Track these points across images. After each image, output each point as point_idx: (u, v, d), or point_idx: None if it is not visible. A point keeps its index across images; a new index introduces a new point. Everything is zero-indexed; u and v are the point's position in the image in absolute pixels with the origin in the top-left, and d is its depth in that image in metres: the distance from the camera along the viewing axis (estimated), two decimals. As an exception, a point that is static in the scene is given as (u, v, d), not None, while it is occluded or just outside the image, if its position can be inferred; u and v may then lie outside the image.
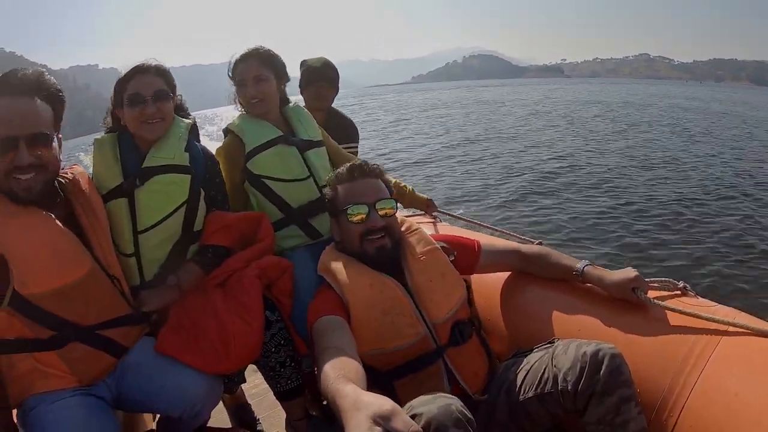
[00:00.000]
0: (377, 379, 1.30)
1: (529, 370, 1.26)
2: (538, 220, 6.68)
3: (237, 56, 1.80)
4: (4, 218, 1.19)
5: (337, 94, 2.59)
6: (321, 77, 2.48)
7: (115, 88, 1.53)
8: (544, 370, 1.21)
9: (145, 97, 1.48)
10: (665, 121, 18.26)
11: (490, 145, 13.77)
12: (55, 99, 1.27)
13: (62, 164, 1.41)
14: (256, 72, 1.78)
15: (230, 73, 1.83)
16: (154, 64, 1.54)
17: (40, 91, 1.23)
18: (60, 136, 1.32)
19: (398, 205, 2.29)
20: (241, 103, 1.89)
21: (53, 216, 1.27)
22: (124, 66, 1.53)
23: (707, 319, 1.18)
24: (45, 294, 1.22)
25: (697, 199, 7.41)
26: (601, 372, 1.09)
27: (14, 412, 1.26)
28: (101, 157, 1.53)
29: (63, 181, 1.37)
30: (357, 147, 2.64)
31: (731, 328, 1.16)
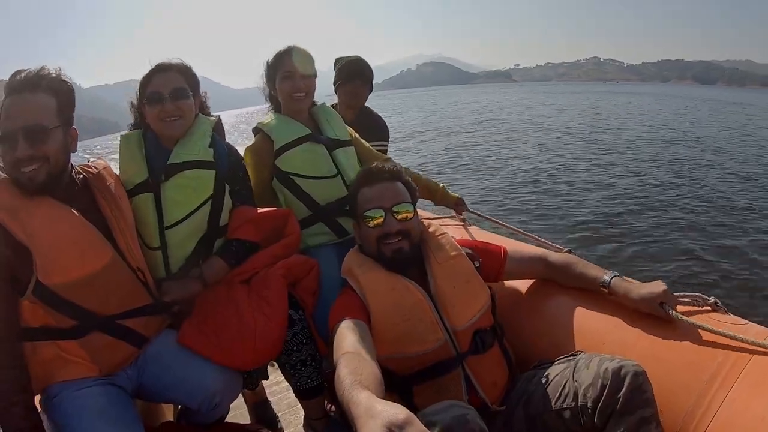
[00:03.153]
0: (395, 383, 1.30)
1: (549, 383, 1.24)
2: (568, 226, 6.56)
3: (282, 50, 1.81)
4: (27, 210, 1.24)
5: (371, 92, 2.58)
6: (357, 75, 2.47)
7: (139, 86, 1.56)
8: (565, 384, 1.19)
9: (164, 95, 1.50)
10: (689, 128, 17.76)
11: (520, 147, 13.63)
12: (58, 89, 1.29)
13: (86, 158, 1.46)
14: (305, 68, 1.80)
15: (272, 68, 1.82)
16: (175, 62, 1.56)
17: (40, 84, 1.25)
18: (74, 128, 1.35)
19: (428, 202, 2.27)
20: (275, 98, 1.89)
21: (75, 208, 1.31)
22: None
23: (736, 339, 1.14)
24: (67, 284, 1.26)
25: (734, 209, 7.15)
26: (623, 390, 1.06)
27: (37, 397, 1.29)
28: (127, 153, 1.56)
29: (86, 174, 1.41)
30: (387, 146, 2.63)
31: (762, 349, 1.11)
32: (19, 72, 1.26)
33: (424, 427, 0.72)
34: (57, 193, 1.30)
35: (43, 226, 1.24)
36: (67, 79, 1.32)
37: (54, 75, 1.28)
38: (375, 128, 2.53)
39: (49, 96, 1.27)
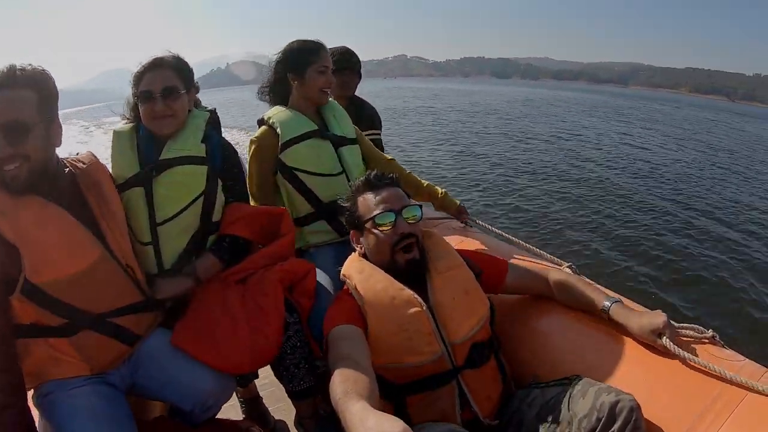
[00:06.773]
0: (389, 392, 1.29)
1: (542, 406, 1.24)
2: (572, 239, 6.37)
3: (316, 43, 1.83)
4: (15, 209, 1.21)
5: (360, 81, 2.60)
6: (345, 65, 2.48)
7: (133, 81, 1.53)
8: (560, 410, 1.18)
9: (155, 94, 1.48)
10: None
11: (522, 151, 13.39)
12: (37, 82, 1.23)
13: (73, 152, 1.45)
14: (331, 64, 1.84)
15: (301, 59, 1.82)
16: (168, 57, 1.54)
17: (17, 79, 1.19)
18: (59, 123, 1.30)
19: (428, 208, 2.27)
20: (281, 90, 1.90)
21: (62, 205, 1.29)
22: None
23: (730, 378, 1.15)
24: (55, 282, 1.24)
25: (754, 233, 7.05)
26: (617, 425, 1.06)
27: (30, 392, 1.29)
28: (119, 147, 1.54)
29: (73, 169, 1.38)
30: (380, 134, 2.65)
31: (754, 389, 1.12)
32: None
33: None
34: (43, 190, 1.27)
35: (30, 225, 1.22)
36: (46, 71, 1.26)
37: (30, 68, 1.22)
38: (366, 117, 2.55)
39: (29, 91, 1.21)
